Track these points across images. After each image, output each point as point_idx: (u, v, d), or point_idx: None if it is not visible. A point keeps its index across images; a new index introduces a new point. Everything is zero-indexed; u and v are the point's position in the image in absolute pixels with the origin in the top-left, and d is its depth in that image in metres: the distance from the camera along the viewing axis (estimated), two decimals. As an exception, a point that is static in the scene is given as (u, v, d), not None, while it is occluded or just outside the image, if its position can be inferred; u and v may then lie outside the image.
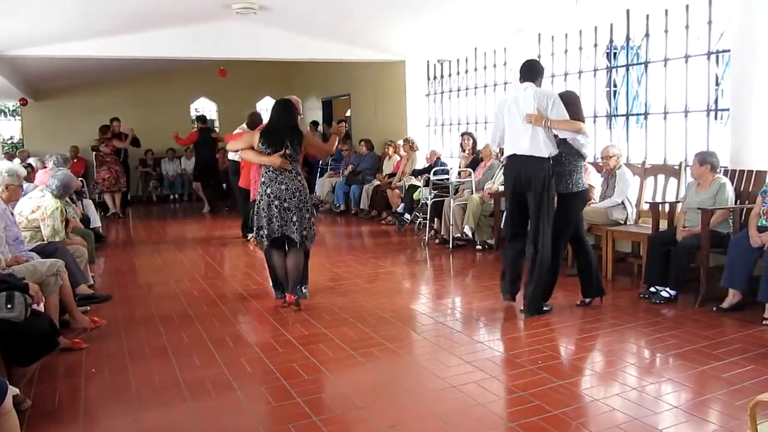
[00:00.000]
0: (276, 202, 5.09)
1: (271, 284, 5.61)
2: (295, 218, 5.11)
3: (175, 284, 6.34)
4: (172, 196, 14.55)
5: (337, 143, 5.71)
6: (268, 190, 5.11)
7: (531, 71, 4.94)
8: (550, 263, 4.83)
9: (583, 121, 4.88)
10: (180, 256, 7.94)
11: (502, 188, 7.36)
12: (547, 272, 4.85)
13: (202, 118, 12.56)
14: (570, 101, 4.84)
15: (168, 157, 14.44)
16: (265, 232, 5.16)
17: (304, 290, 5.49)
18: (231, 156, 9.38)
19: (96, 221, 8.82)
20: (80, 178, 10.33)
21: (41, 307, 3.84)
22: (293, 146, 5.12)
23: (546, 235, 4.78)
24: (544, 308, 4.97)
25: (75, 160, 12.74)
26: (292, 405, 3.44)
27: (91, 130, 12.85)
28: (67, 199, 6.39)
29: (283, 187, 5.09)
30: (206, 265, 7.43)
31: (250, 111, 10.02)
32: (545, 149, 4.72)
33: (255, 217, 5.24)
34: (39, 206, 5.47)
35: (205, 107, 15.76)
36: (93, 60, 9.65)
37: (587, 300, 5.11)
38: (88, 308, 5.23)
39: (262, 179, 5.19)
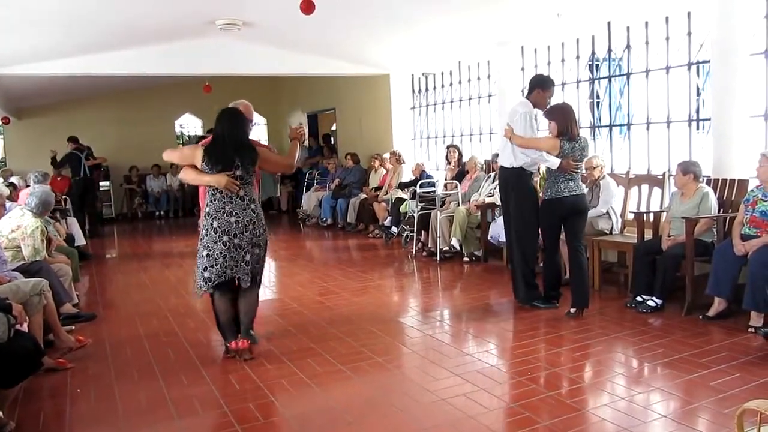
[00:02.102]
0: (224, 238, 4.13)
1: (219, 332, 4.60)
2: (248, 257, 4.21)
3: (161, 301, 6.29)
4: (157, 213, 14.46)
5: (298, 152, 4.57)
6: (214, 224, 4.15)
7: (529, 85, 5.36)
8: (525, 262, 5.36)
9: (570, 134, 5.03)
10: (167, 273, 7.88)
11: (488, 200, 7.42)
12: (524, 267, 5.37)
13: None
14: (555, 113, 5.09)
15: (153, 173, 14.37)
16: (209, 275, 4.20)
17: (252, 333, 4.59)
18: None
19: (81, 239, 8.74)
20: (64, 196, 10.29)
21: (25, 328, 3.79)
22: (245, 166, 4.16)
23: (523, 240, 5.36)
24: (536, 303, 5.36)
25: (59, 178, 12.65)
26: (282, 421, 3.42)
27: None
28: (49, 217, 6.34)
29: (232, 219, 4.14)
30: (192, 282, 7.37)
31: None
32: (516, 160, 5.22)
33: (198, 256, 4.28)
34: (19, 225, 5.41)
35: (190, 123, 15.73)
36: (77, 77, 9.60)
37: (572, 310, 5.14)
38: (73, 327, 5.18)
39: (207, 209, 4.21)
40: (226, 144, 4.17)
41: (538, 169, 5.70)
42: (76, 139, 11.78)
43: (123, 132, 14.23)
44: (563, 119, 5.06)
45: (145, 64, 9.04)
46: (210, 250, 4.19)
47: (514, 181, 5.32)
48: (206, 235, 4.22)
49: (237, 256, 4.19)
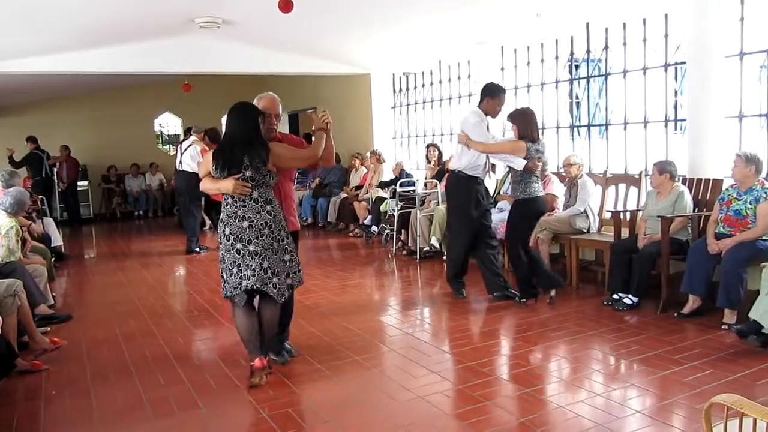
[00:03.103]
0: (238, 246, 3.77)
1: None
2: (266, 264, 3.77)
3: (138, 301, 6.23)
4: (136, 213, 14.33)
5: (323, 143, 4.05)
6: (226, 230, 3.80)
7: (480, 94, 5.60)
8: (461, 258, 5.74)
9: (531, 137, 5.26)
10: (144, 273, 7.81)
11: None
12: (457, 263, 5.74)
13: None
14: (516, 117, 5.39)
15: (132, 172, 14.24)
16: (230, 285, 3.82)
17: (288, 346, 4.36)
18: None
19: (57, 239, 8.64)
20: (41, 196, 10.16)
21: (-2, 329, 3.75)
22: (254, 165, 3.76)
23: (454, 238, 5.81)
24: (508, 293, 5.60)
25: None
26: (259, 420, 3.40)
27: (54, 147, 12.65)
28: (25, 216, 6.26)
29: (245, 224, 3.76)
30: (172, 282, 7.33)
31: (209, 126, 9.50)
32: (458, 164, 5.56)
33: (221, 265, 3.93)
34: (-6, 226, 5.34)
35: (169, 122, 15.61)
36: (54, 76, 9.48)
37: (553, 294, 5.47)
38: (48, 329, 5.12)
39: (221, 215, 3.90)
40: (234, 143, 3.82)
41: (489, 173, 5.97)
42: (35, 139, 11.68)
43: (101, 131, 14.09)
44: (523, 123, 5.31)
45: (124, 63, 8.95)
46: (228, 259, 3.82)
47: (454, 183, 5.67)
48: (221, 242, 3.88)
49: (253, 263, 3.75)
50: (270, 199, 3.85)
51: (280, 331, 4.17)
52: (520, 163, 5.20)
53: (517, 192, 5.36)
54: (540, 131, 5.56)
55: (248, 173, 3.76)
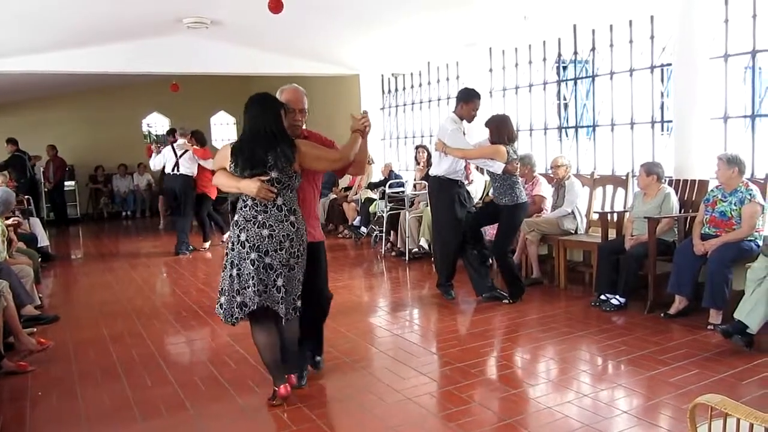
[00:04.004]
0: (253, 255, 3.33)
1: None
2: (280, 282, 3.38)
3: (126, 302, 6.20)
4: (124, 213, 14.25)
5: (357, 146, 3.66)
6: (242, 236, 3.36)
7: (456, 100, 5.71)
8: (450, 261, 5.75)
9: (506, 142, 5.35)
10: (132, 274, 7.77)
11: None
12: (447, 265, 5.77)
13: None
14: (490, 122, 5.51)
15: (119, 173, 14.16)
16: (243, 299, 3.38)
17: (317, 359, 4.05)
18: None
19: (44, 240, 8.57)
20: (27, 196, 10.09)
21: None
22: (279, 165, 3.35)
23: (442, 242, 5.80)
24: (496, 293, 5.66)
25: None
26: (247, 420, 3.40)
27: (41, 147, 12.57)
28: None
29: (265, 232, 3.33)
30: (160, 283, 7.30)
31: (190, 129, 9.46)
32: (439, 169, 5.62)
33: (222, 275, 3.49)
34: (-20, 226, 5.30)
35: (157, 122, 15.53)
36: (40, 75, 9.40)
37: (512, 300, 5.57)
38: (35, 330, 5.09)
39: (236, 217, 3.46)
40: (256, 140, 3.37)
41: (467, 177, 6.05)
42: (15, 141, 11.60)
43: (89, 131, 14.00)
44: (496, 127, 5.42)
45: (111, 63, 8.89)
46: (240, 269, 3.38)
47: (436, 187, 5.73)
48: (232, 249, 3.41)
49: (267, 279, 3.37)
50: (294, 209, 3.44)
51: (311, 346, 3.93)
52: (498, 167, 5.31)
53: (508, 197, 5.42)
54: (516, 134, 5.67)
55: (273, 174, 3.34)
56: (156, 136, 15.22)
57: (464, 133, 5.60)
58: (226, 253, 3.46)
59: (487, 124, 5.51)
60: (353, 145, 3.62)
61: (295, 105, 3.64)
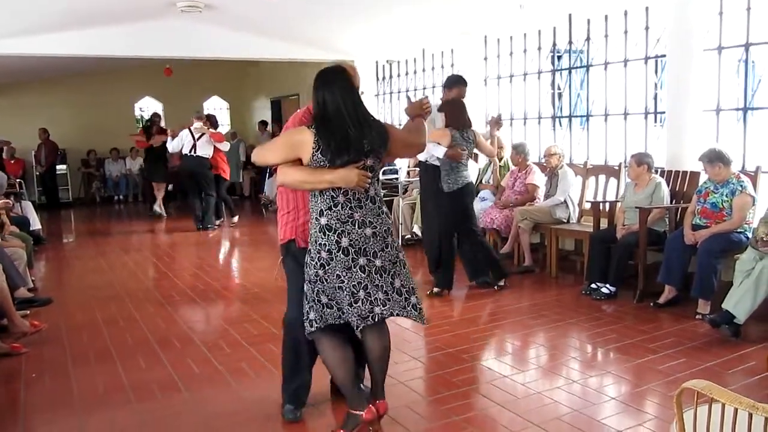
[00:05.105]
0: (361, 261, 2.83)
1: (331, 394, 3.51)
2: (398, 283, 2.92)
3: (119, 286, 6.21)
4: (116, 197, 14.20)
5: (425, 131, 3.35)
6: (344, 241, 2.81)
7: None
8: (436, 247, 5.55)
9: (457, 127, 5.33)
10: (125, 258, 7.77)
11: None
12: (433, 251, 5.60)
13: None
14: (444, 106, 5.47)
15: (112, 157, 14.10)
16: (332, 316, 2.88)
17: (363, 387, 3.33)
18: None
19: (36, 223, 8.55)
20: (19, 180, 10.05)
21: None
22: (376, 152, 2.91)
23: (423, 227, 5.83)
24: (488, 279, 5.67)
25: (12, 161, 12.36)
26: (242, 403, 3.43)
27: (31, 131, 12.49)
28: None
29: (368, 231, 2.85)
30: (152, 267, 7.30)
31: (204, 112, 10.22)
32: (424, 155, 5.36)
33: (308, 295, 2.91)
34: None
35: (150, 107, 15.44)
36: (32, 58, 9.32)
37: (499, 285, 5.60)
38: (28, 312, 5.09)
39: (321, 221, 2.84)
40: (348, 122, 2.83)
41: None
42: None
43: (80, 115, 13.92)
44: (450, 112, 5.42)
45: (104, 46, 8.80)
46: (341, 283, 2.82)
47: (422, 172, 5.71)
48: (328, 261, 2.81)
49: (383, 284, 2.87)
50: (382, 198, 3.00)
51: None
52: (440, 151, 5.28)
53: (448, 184, 5.34)
54: (469, 121, 5.47)
55: (369, 162, 2.87)
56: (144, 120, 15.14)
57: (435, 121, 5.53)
58: (310, 266, 2.86)
59: (440, 108, 5.47)
60: (423, 129, 3.29)
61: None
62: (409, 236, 7.75)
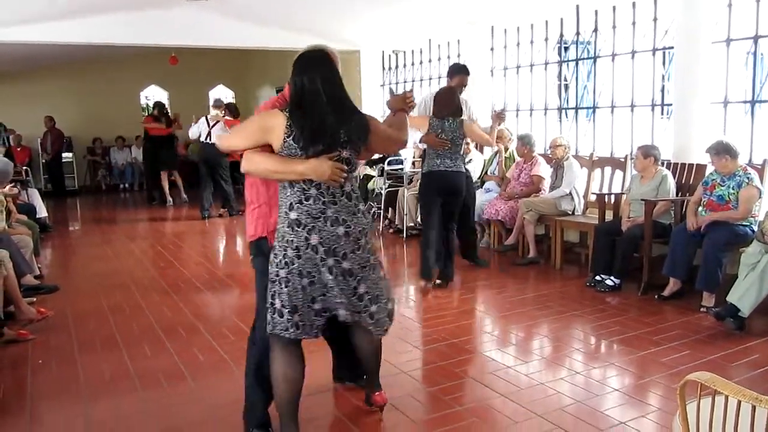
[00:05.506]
0: (330, 261, 2.64)
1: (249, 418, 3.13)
2: (363, 289, 2.73)
3: (125, 274, 6.24)
4: (122, 186, 14.24)
5: (407, 126, 3.12)
6: (313, 238, 2.60)
7: None
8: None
9: (442, 115, 5.30)
10: (131, 246, 7.80)
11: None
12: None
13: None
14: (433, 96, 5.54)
15: (117, 145, 14.12)
16: (293, 320, 2.64)
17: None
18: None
19: (42, 211, 8.59)
20: (25, 167, 10.09)
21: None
22: (354, 143, 2.69)
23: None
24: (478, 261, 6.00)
25: (19, 149, 12.39)
26: (241, 397, 3.44)
27: (37, 119, 12.51)
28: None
29: (340, 230, 2.63)
30: (158, 255, 7.33)
31: (227, 101, 10.38)
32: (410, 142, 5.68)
33: (270, 290, 2.70)
34: (-22, 196, 5.31)
35: (155, 95, 15.44)
36: (37, 46, 9.33)
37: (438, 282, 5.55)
38: (35, 299, 5.12)
39: (289, 217, 2.62)
40: (325, 109, 2.60)
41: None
42: None
43: (86, 103, 13.93)
44: (435, 100, 5.46)
45: (110, 34, 8.81)
46: (298, 281, 2.62)
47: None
48: (293, 260, 2.61)
49: (347, 288, 2.68)
50: (359, 195, 2.78)
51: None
52: (415, 137, 5.46)
53: (422, 168, 5.58)
54: (456, 110, 5.33)
55: (345, 153, 2.65)
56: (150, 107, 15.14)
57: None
58: (275, 263, 2.66)
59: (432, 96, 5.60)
60: (405, 124, 3.07)
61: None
62: (413, 225, 7.75)
